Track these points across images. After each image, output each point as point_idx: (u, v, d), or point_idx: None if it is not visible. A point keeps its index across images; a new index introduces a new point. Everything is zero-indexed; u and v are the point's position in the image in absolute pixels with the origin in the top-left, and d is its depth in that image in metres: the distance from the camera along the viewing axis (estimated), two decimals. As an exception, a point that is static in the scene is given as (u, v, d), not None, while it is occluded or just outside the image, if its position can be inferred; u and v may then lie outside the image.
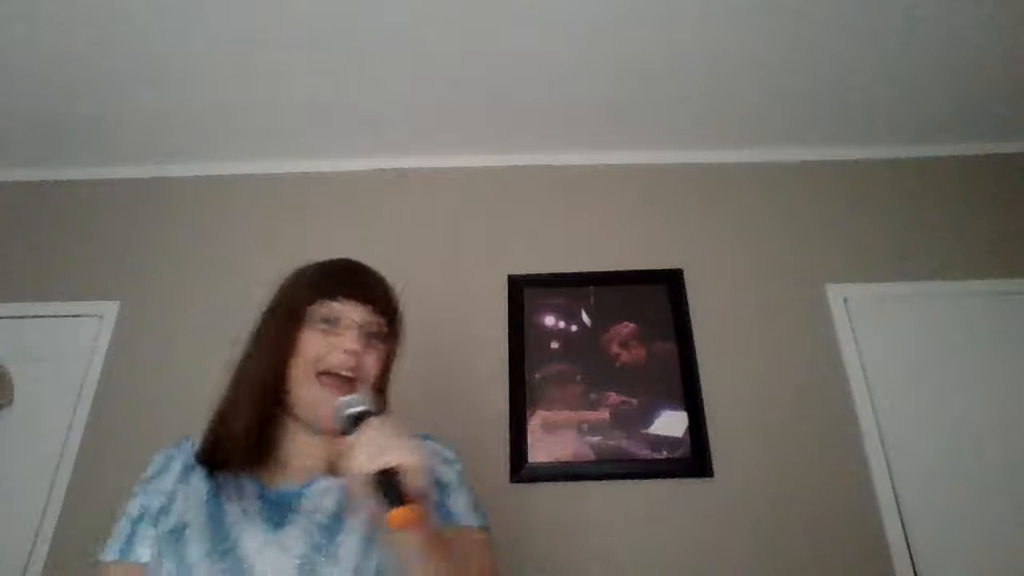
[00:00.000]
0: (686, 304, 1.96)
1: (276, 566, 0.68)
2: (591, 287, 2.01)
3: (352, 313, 0.81)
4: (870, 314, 1.95)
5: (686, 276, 2.01)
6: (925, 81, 1.94)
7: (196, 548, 0.70)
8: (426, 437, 0.87)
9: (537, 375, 1.88)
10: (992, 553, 1.64)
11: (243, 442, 0.78)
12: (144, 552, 0.75)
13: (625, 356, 1.91)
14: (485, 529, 0.82)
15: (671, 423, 1.81)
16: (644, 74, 1.91)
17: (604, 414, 1.82)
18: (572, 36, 1.77)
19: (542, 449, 1.78)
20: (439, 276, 2.04)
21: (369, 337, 0.82)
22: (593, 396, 1.85)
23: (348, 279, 0.85)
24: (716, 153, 2.23)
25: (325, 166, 2.25)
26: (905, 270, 2.02)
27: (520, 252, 2.08)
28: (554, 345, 1.93)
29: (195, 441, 0.84)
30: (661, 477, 1.73)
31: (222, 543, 0.70)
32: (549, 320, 1.97)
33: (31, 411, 1.87)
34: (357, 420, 0.69)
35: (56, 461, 1.80)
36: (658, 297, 1.99)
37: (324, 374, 0.78)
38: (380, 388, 0.85)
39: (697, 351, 1.89)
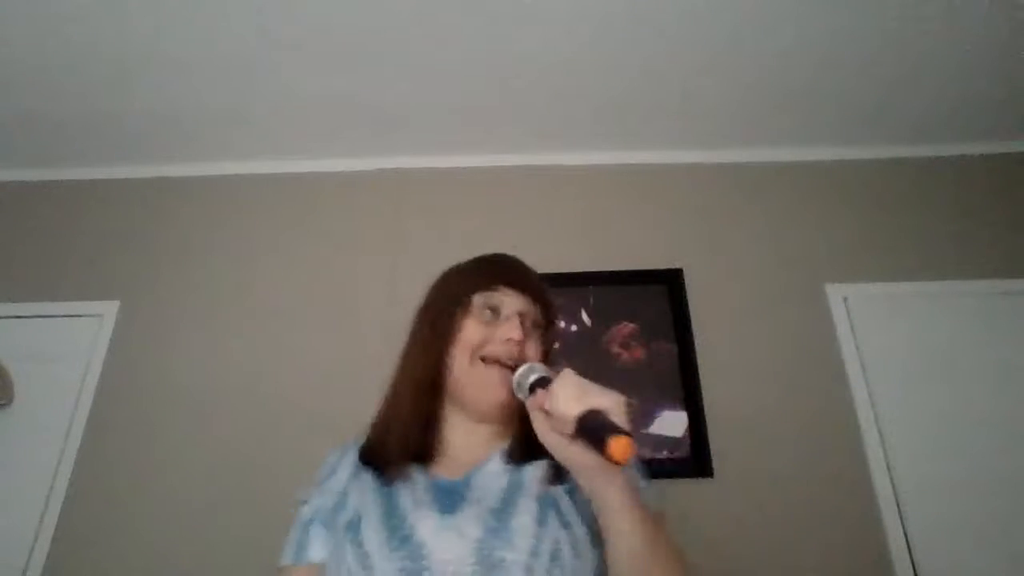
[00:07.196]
0: (686, 304, 1.96)
1: (454, 550, 0.67)
2: (591, 287, 2.00)
3: (513, 303, 0.83)
4: (870, 314, 1.95)
5: (686, 276, 2.01)
6: (925, 81, 1.94)
7: (374, 537, 0.70)
8: None
9: (537, 375, 1.88)
10: (992, 552, 1.64)
11: (407, 439, 0.79)
12: (317, 552, 0.77)
13: (625, 356, 1.91)
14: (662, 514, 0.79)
15: (671, 423, 1.81)
16: (644, 74, 1.91)
17: (604, 414, 1.82)
18: (572, 36, 1.77)
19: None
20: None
21: (530, 327, 0.83)
22: (593, 396, 1.85)
23: (508, 270, 0.87)
24: (716, 153, 2.23)
25: (325, 166, 2.25)
26: (905, 270, 2.02)
27: (520, 252, 2.06)
28: (554, 345, 1.93)
29: (361, 441, 0.85)
30: (661, 477, 1.72)
31: (399, 530, 0.70)
32: (549, 320, 1.96)
33: (31, 411, 1.87)
34: (537, 386, 0.69)
35: (56, 461, 1.80)
36: (658, 297, 1.98)
37: (485, 360, 0.79)
38: None
39: (697, 351, 1.89)
